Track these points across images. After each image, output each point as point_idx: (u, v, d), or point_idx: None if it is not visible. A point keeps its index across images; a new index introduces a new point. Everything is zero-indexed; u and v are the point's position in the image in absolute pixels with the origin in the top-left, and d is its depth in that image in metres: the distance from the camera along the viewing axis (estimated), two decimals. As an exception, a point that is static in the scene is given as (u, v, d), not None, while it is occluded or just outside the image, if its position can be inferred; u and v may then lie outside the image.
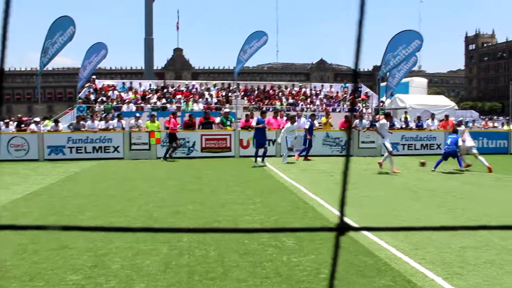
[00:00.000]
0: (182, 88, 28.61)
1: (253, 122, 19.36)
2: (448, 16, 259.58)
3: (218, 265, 5.50)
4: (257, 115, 20.99)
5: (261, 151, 16.21)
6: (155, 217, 8.10)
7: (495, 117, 52.44)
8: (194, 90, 28.53)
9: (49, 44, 18.49)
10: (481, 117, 46.44)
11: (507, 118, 28.02)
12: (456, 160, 14.63)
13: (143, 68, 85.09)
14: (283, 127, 18.37)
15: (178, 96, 26.82)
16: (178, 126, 18.99)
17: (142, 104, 25.10)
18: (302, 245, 6.31)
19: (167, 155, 18.15)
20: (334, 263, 0.84)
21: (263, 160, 16.44)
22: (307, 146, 18.19)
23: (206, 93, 27.80)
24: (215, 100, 26.78)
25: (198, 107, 24.96)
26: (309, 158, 18.11)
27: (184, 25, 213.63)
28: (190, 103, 25.08)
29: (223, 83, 31.05)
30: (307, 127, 18.20)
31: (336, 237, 0.82)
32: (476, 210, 8.74)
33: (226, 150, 19.08)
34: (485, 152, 19.80)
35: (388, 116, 15.48)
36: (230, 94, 27.68)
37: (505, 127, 24.44)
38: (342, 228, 0.82)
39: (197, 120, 19.98)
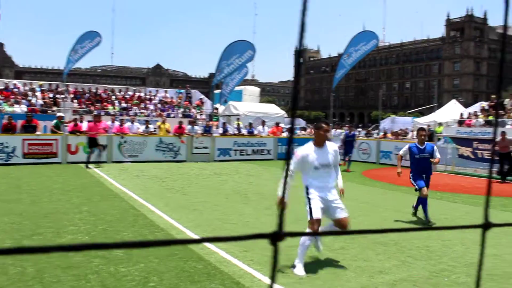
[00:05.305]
0: (1, 87, 25.87)
1: (83, 127, 18.37)
2: (280, 30, 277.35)
3: (37, 283, 5.01)
4: (87, 118, 20.00)
5: None
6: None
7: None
8: (16, 90, 26.02)
9: None
10: (308, 124, 50.22)
11: (331, 125, 30.69)
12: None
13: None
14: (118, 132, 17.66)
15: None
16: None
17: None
18: (131, 254, 6.08)
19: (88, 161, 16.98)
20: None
21: None
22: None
23: (30, 93, 25.56)
24: (40, 102, 24.76)
25: (21, 109, 22.83)
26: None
27: (7, 17, 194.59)
28: (10, 104, 22.82)
29: (50, 84, 28.88)
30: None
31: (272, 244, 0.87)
32: (301, 211, 9.31)
33: (52, 156, 17.71)
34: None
35: None
36: (58, 96, 25.85)
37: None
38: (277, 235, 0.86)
39: (19, 123, 18.20)
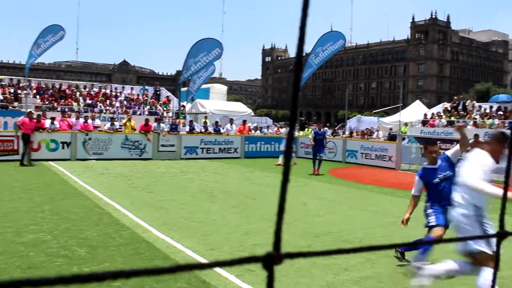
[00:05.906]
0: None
1: (46, 124, 17.91)
2: (248, 29, 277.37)
3: (-5, 283, 4.85)
4: (50, 115, 19.58)
5: None
6: None
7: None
8: (-26, 85, 25.22)
9: None
10: (274, 123, 50.34)
11: (296, 125, 30.84)
12: None
13: None
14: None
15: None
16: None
17: None
18: (95, 254, 5.97)
19: (24, 159, 16.02)
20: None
21: None
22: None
23: (-10, 89, 24.82)
24: (0, 97, 24.06)
25: (-21, 104, 22.15)
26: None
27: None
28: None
29: (11, 79, 28.08)
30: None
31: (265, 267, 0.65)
32: (267, 209, 9.33)
33: (13, 153, 17.21)
34: (278, 156, 21.50)
35: None
36: (19, 91, 25.17)
37: (296, 134, 26.81)
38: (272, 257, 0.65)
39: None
